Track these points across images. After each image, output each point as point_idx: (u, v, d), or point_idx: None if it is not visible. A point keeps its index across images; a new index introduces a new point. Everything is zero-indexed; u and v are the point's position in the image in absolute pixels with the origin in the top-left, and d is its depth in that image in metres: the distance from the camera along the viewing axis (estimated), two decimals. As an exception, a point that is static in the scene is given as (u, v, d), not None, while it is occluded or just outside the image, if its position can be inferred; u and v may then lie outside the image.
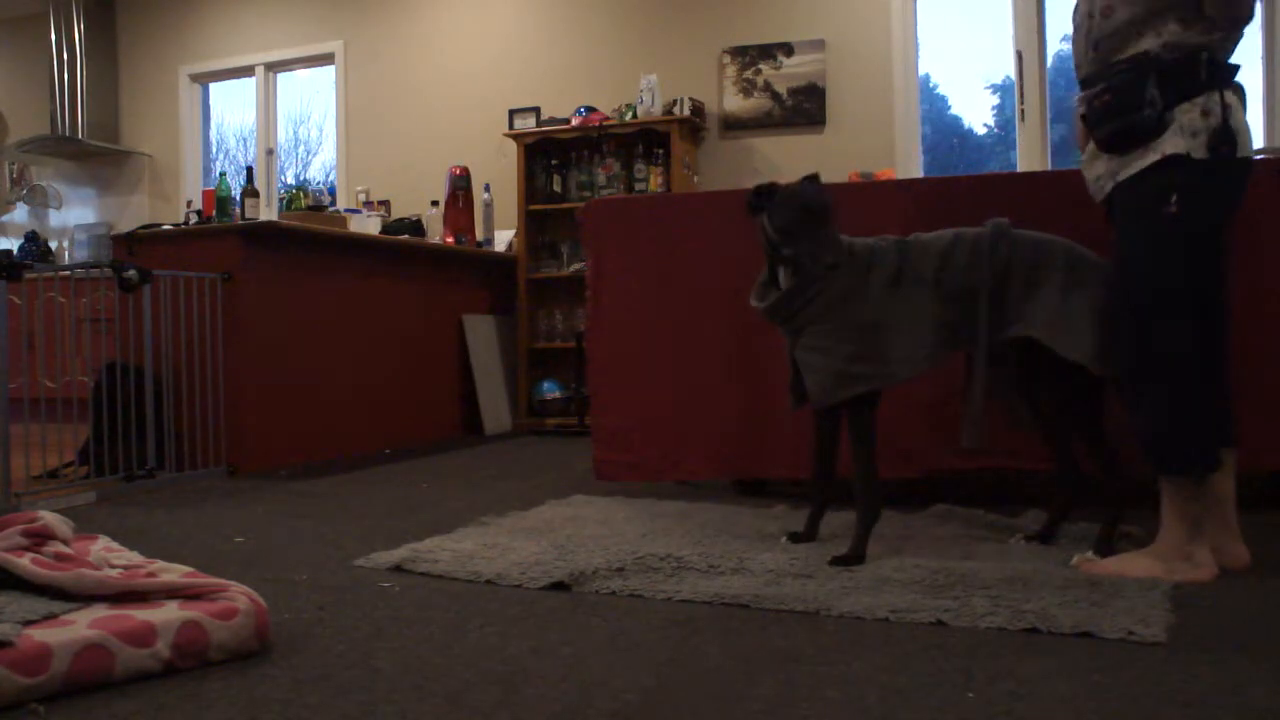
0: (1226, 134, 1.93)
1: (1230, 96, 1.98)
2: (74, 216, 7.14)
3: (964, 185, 2.93)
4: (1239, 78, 2.06)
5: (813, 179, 2.30)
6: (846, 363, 2.16)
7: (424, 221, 5.39)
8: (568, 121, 5.48)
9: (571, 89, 5.79)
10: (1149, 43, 1.98)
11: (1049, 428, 2.32)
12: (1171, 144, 1.93)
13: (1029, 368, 2.26)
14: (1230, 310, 2.13)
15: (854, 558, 2.12)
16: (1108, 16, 2.03)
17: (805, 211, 2.16)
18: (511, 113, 5.87)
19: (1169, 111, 1.94)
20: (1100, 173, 2.10)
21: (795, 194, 2.20)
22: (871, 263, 2.21)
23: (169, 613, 1.54)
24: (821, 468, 2.36)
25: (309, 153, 7.24)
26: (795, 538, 2.35)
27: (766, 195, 2.25)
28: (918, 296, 2.19)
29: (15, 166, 7.14)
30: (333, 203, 5.78)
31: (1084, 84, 2.14)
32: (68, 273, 3.98)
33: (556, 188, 5.53)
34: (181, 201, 6.58)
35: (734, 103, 5.48)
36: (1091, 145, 2.12)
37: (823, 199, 2.18)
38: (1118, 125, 1.99)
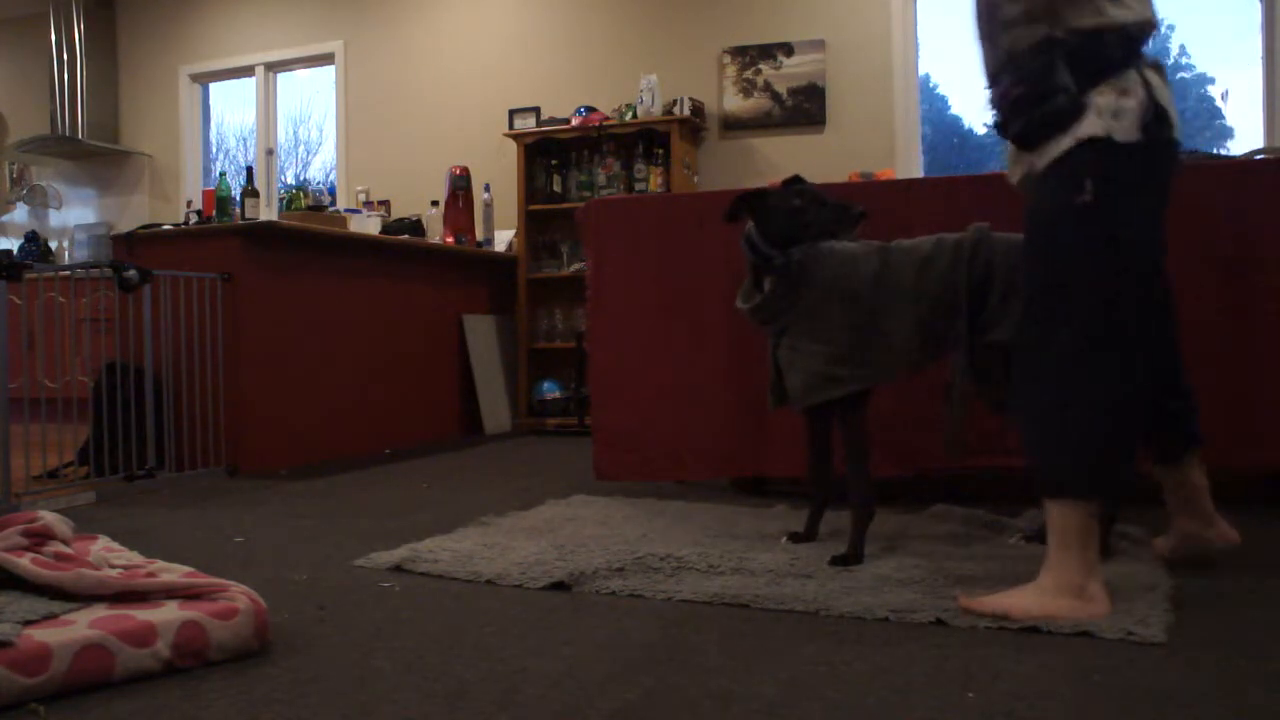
0: (1158, 111, 1.77)
1: (1151, 74, 1.80)
2: (74, 216, 7.14)
3: (964, 185, 2.93)
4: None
5: (793, 181, 2.30)
6: (827, 364, 2.17)
7: (424, 221, 5.39)
8: (568, 121, 5.49)
9: (571, 89, 5.79)
10: (1052, 27, 1.80)
11: None
12: (1088, 126, 1.75)
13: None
14: (1173, 308, 2.07)
15: (853, 557, 2.12)
16: (1006, 4, 1.87)
17: (794, 214, 2.18)
18: (511, 113, 5.87)
19: (1084, 95, 1.77)
20: (1023, 175, 1.92)
21: (785, 198, 2.21)
22: (853, 267, 2.21)
23: (169, 613, 1.54)
24: (816, 468, 2.37)
25: (309, 153, 7.24)
26: (795, 538, 2.35)
27: (751, 202, 2.24)
28: (900, 301, 2.19)
29: (15, 166, 7.14)
30: (333, 203, 5.79)
31: (992, 82, 1.95)
32: (68, 273, 3.98)
33: (556, 188, 5.53)
34: (181, 201, 6.58)
35: (734, 103, 5.48)
36: (1011, 147, 1.94)
37: (814, 196, 2.19)
38: (1032, 116, 1.82)
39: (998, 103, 1.91)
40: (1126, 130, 1.75)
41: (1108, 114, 1.75)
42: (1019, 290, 2.07)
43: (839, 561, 2.11)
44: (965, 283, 2.14)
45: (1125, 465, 1.80)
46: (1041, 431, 1.79)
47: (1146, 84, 1.78)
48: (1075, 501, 1.73)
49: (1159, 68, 1.84)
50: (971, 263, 2.16)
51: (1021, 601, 1.73)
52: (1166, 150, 1.82)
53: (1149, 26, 1.83)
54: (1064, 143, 1.78)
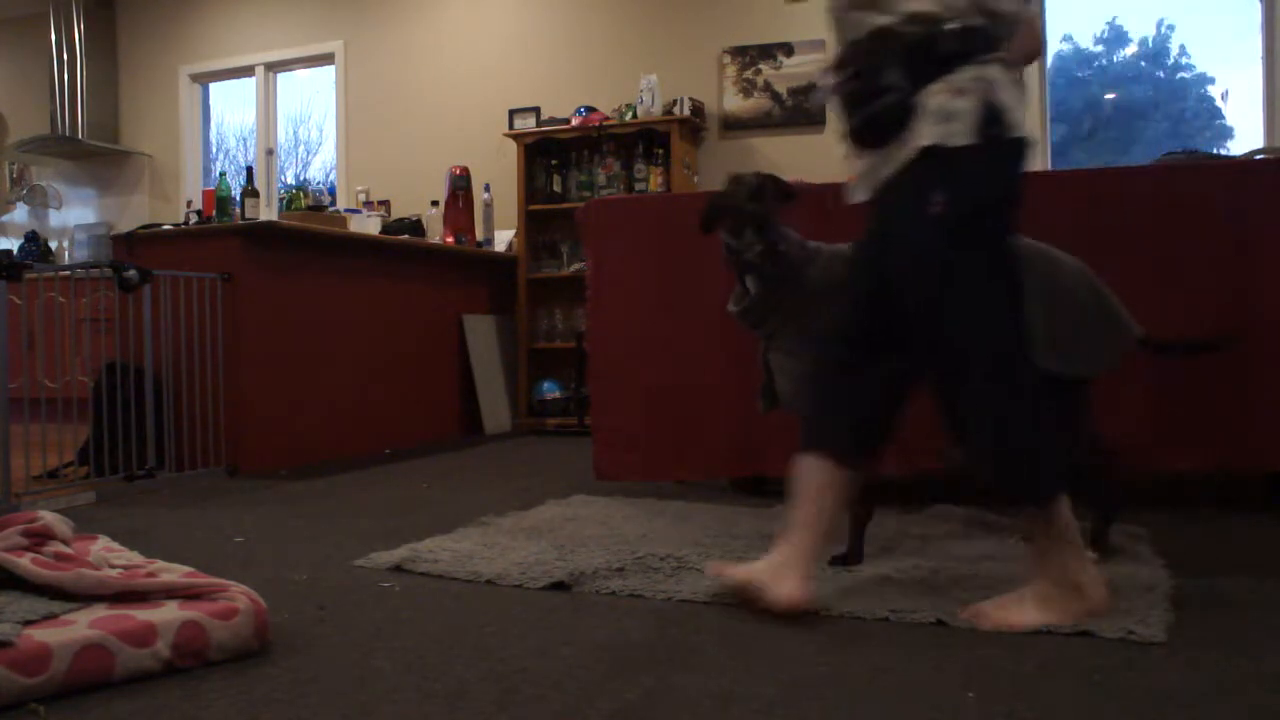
0: (993, 112, 1.65)
1: (993, 70, 1.67)
2: (74, 216, 7.14)
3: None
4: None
5: (738, 179, 2.22)
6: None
7: (424, 221, 5.39)
8: (568, 121, 5.49)
9: (571, 89, 5.79)
10: (888, 15, 1.69)
11: None
12: (926, 133, 1.66)
13: None
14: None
15: (852, 557, 2.12)
16: None
17: (737, 212, 2.13)
18: (511, 113, 5.87)
19: (916, 95, 1.67)
20: (861, 170, 1.81)
21: (729, 195, 2.16)
22: (841, 267, 2.17)
23: (169, 613, 1.54)
24: None
25: (309, 153, 7.24)
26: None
27: (722, 212, 2.18)
28: None
29: (15, 166, 7.14)
30: (333, 203, 5.79)
31: (833, 72, 1.83)
32: (68, 273, 3.98)
33: (556, 188, 5.53)
34: (181, 201, 6.57)
35: (734, 103, 5.48)
36: (855, 156, 1.84)
37: (757, 187, 2.13)
38: (864, 114, 1.73)
39: (838, 92, 1.80)
40: (959, 134, 1.64)
41: (939, 117, 1.65)
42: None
43: (839, 561, 2.11)
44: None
45: (1065, 454, 1.81)
46: (1001, 445, 1.74)
47: (987, 81, 1.66)
48: (1055, 500, 1.70)
49: (1005, 62, 1.71)
50: None
51: (1023, 616, 1.69)
52: (1012, 151, 1.71)
53: (998, 18, 1.70)
54: (907, 151, 1.69)
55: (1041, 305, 1.99)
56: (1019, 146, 1.72)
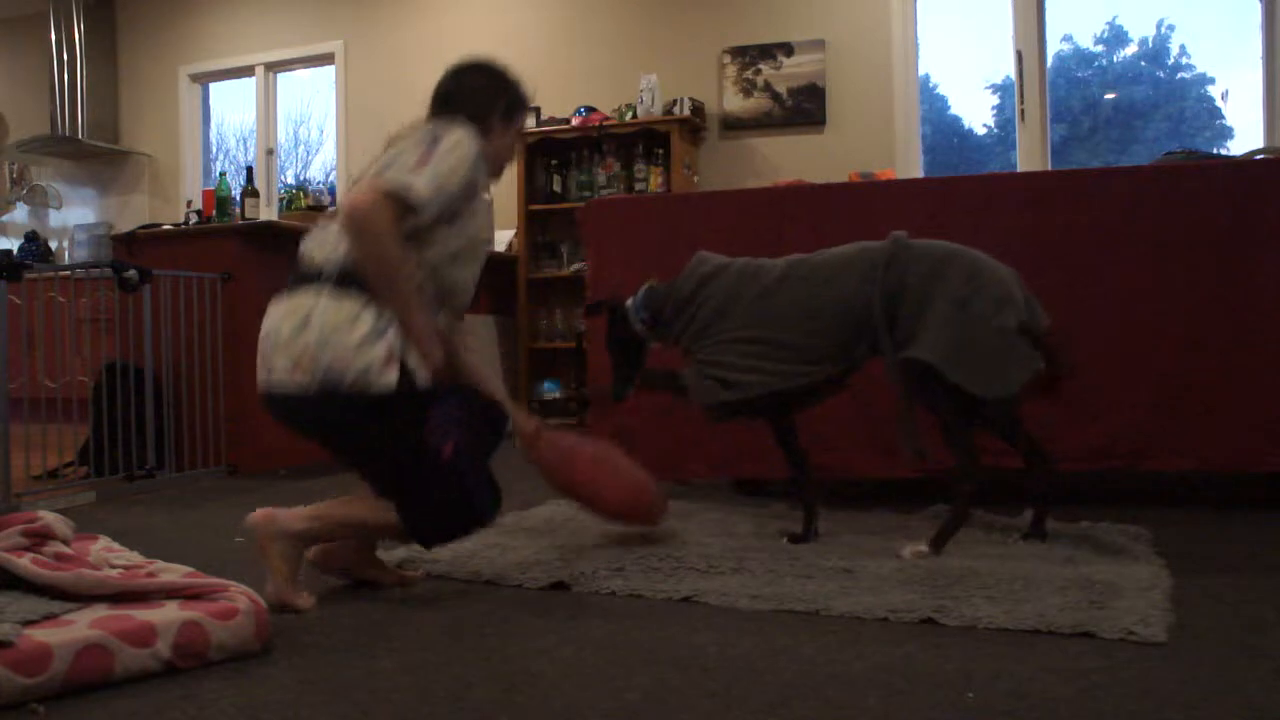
0: None
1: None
2: (74, 216, 7.14)
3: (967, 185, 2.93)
4: None
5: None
6: (725, 372, 2.29)
7: (424, 221, 5.38)
8: (568, 121, 5.48)
9: (571, 89, 5.79)
10: None
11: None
12: None
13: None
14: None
15: (804, 537, 2.32)
16: None
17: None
18: (511, 113, 5.86)
19: None
20: None
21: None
22: (751, 280, 2.33)
23: (169, 613, 1.54)
24: (793, 466, 2.44)
25: (309, 153, 7.23)
26: (794, 539, 2.37)
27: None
28: (806, 311, 2.25)
29: (15, 166, 7.14)
30: (333, 203, 5.78)
31: None
32: (68, 273, 3.98)
33: (556, 188, 5.53)
34: (181, 201, 6.57)
35: (734, 103, 5.48)
36: None
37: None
38: None
39: None
40: None
41: None
42: (934, 302, 2.13)
43: (795, 539, 2.31)
44: (879, 296, 2.18)
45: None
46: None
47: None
48: None
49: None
50: (886, 274, 2.19)
51: None
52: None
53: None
54: None
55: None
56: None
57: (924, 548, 2.15)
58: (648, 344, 2.48)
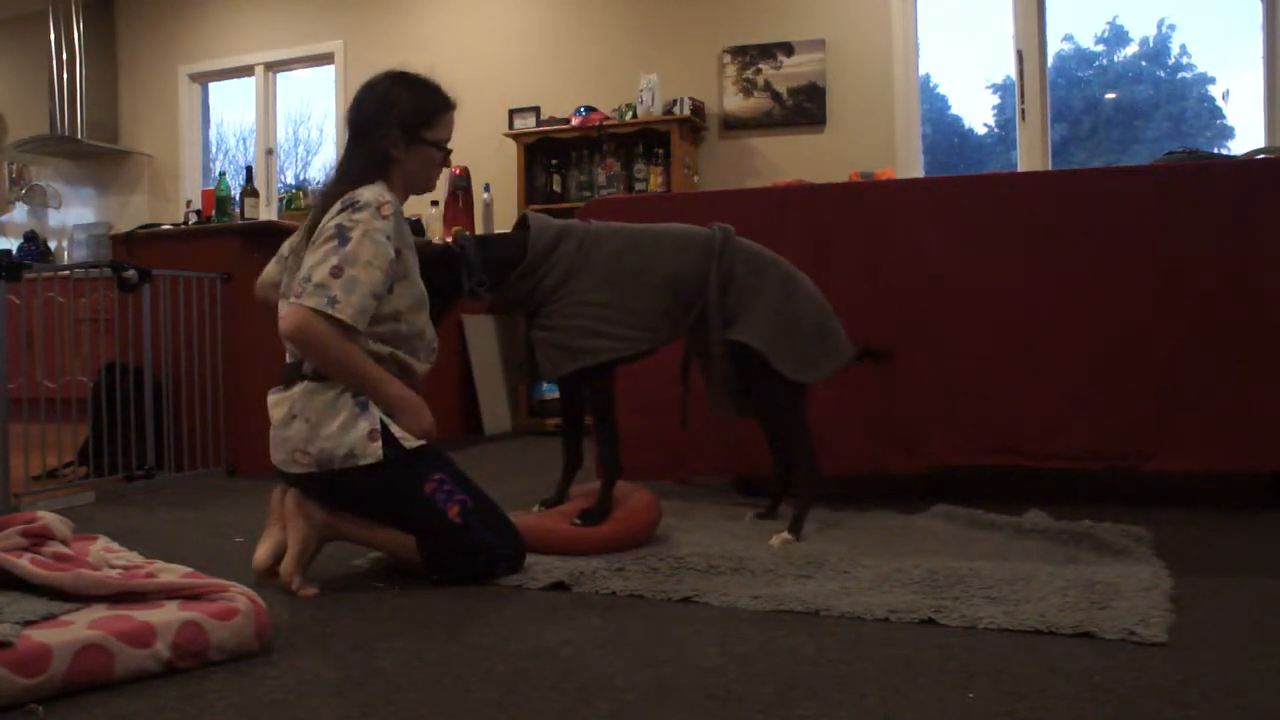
0: None
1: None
2: (73, 216, 7.14)
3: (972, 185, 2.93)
4: None
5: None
6: (576, 337, 2.29)
7: (424, 221, 5.39)
8: (568, 121, 5.49)
9: (571, 89, 5.79)
10: None
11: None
12: None
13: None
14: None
15: (597, 514, 2.28)
16: None
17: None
18: (511, 113, 5.87)
19: None
20: None
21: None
22: (601, 245, 2.34)
23: (169, 613, 1.54)
24: (567, 433, 2.52)
25: (309, 153, 7.23)
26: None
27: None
28: (646, 283, 2.33)
29: (15, 166, 7.15)
30: (332, 203, 5.77)
31: None
32: (67, 273, 3.98)
33: (556, 188, 5.53)
34: (181, 201, 6.58)
35: (734, 102, 5.48)
36: None
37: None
38: None
39: None
40: None
41: None
42: (758, 292, 2.33)
43: (584, 516, 2.26)
44: (716, 275, 2.34)
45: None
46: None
47: None
48: None
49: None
50: (721, 259, 2.35)
51: None
52: None
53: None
54: None
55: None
56: None
57: (788, 535, 2.33)
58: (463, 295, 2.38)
